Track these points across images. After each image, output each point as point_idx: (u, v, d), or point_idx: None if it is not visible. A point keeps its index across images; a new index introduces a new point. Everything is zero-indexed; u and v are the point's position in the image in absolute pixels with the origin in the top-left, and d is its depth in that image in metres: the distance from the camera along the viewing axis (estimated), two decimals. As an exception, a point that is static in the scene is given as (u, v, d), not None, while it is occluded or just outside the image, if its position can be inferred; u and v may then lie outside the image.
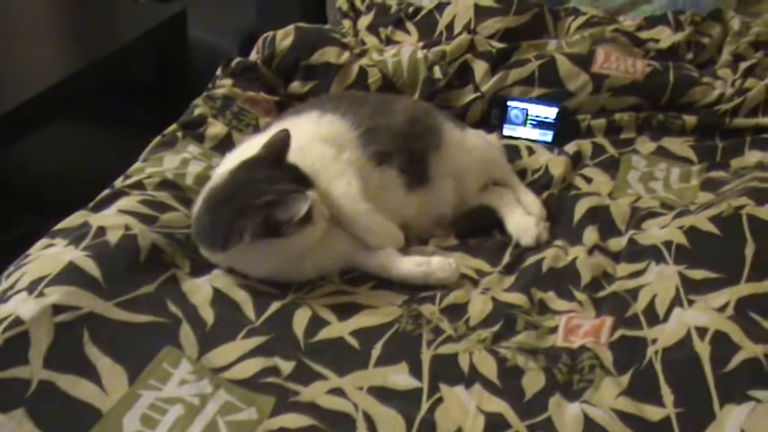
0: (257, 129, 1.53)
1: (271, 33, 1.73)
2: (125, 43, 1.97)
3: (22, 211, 1.83)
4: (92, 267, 1.11)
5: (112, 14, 2.14)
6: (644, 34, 1.83)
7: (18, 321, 1.01)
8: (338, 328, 1.12)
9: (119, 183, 1.35)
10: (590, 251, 1.29)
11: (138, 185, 1.33)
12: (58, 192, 1.92)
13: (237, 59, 1.71)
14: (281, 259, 1.19)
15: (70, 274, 1.09)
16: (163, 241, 1.21)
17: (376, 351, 1.09)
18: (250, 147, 1.26)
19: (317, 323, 1.13)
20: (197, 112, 1.56)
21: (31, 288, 1.07)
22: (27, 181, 2.01)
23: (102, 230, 1.19)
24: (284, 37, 1.71)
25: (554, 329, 1.14)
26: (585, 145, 1.59)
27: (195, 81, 1.99)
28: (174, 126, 1.53)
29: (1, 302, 1.06)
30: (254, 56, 1.74)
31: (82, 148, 2.09)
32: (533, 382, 1.04)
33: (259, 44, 1.74)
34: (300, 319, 1.13)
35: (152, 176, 1.36)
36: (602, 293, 1.21)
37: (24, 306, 1.03)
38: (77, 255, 1.13)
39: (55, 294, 1.06)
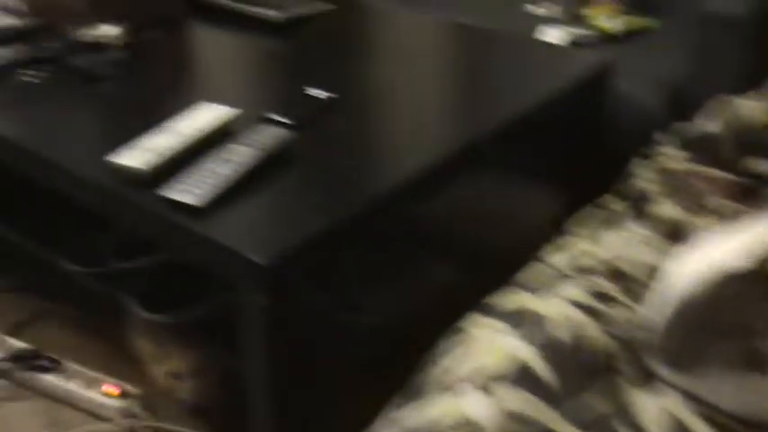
0: (716, 215, 1.33)
1: (732, 97, 1.50)
2: (549, 94, 1.84)
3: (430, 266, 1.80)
4: (542, 369, 1.02)
5: (533, 62, 2.04)
6: None
7: (472, 423, 0.95)
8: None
9: (552, 259, 1.25)
10: None
11: (579, 267, 1.22)
12: (465, 248, 1.87)
13: (687, 124, 1.51)
14: (758, 397, 0.98)
15: (521, 375, 1.01)
16: (611, 343, 1.08)
17: None
18: (719, 244, 1.07)
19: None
20: (636, 182, 1.40)
21: (478, 382, 1.01)
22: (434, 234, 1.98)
23: (545, 321, 1.10)
24: (751, 103, 1.47)
25: None
26: None
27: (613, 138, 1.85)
28: (609, 196, 1.39)
29: (448, 390, 1.01)
30: (706, 122, 1.52)
31: (485, 202, 2.02)
32: None
33: (715, 108, 1.52)
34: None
35: (592, 257, 1.23)
36: None
37: (478, 406, 0.97)
38: (525, 350, 1.05)
39: (509, 399, 0.98)
